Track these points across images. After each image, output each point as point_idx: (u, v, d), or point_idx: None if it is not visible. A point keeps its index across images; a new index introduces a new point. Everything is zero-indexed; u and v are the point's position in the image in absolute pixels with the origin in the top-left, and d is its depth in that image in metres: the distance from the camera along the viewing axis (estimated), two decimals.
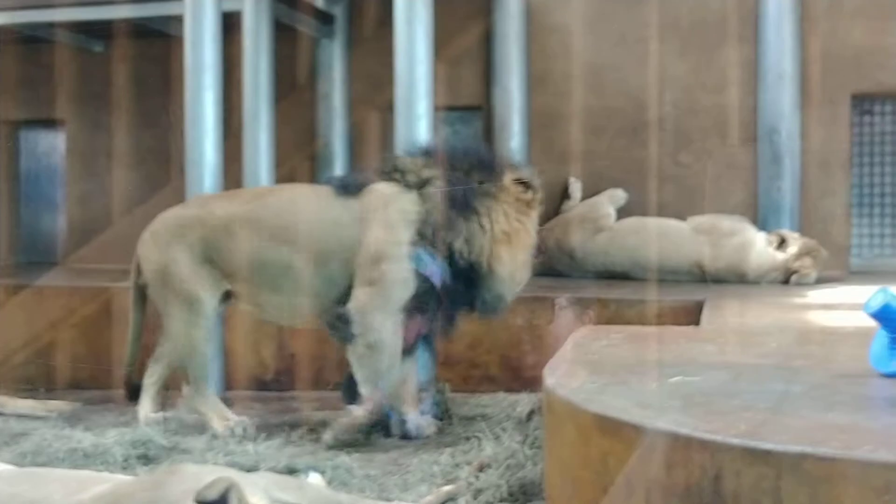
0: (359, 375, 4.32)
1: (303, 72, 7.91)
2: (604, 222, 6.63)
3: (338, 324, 4.29)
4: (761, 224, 6.51)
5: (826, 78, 6.55)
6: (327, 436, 4.25)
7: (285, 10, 7.09)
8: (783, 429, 2.13)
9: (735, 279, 6.04)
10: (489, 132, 7.46)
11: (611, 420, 2.26)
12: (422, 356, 4.57)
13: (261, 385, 5.81)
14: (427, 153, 4.49)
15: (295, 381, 5.73)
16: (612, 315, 5.16)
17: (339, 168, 7.70)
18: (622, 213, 6.77)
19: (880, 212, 6.94)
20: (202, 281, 4.52)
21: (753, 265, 6.03)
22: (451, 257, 4.31)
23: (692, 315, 4.80)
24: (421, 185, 4.35)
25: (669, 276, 6.03)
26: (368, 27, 7.68)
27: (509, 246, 4.33)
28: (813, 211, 6.69)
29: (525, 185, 4.41)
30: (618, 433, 2.23)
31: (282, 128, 6.91)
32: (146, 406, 4.76)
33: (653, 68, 7.00)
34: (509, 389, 5.02)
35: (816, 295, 5.41)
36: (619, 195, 6.83)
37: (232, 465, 3.63)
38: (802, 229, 6.46)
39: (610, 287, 5.85)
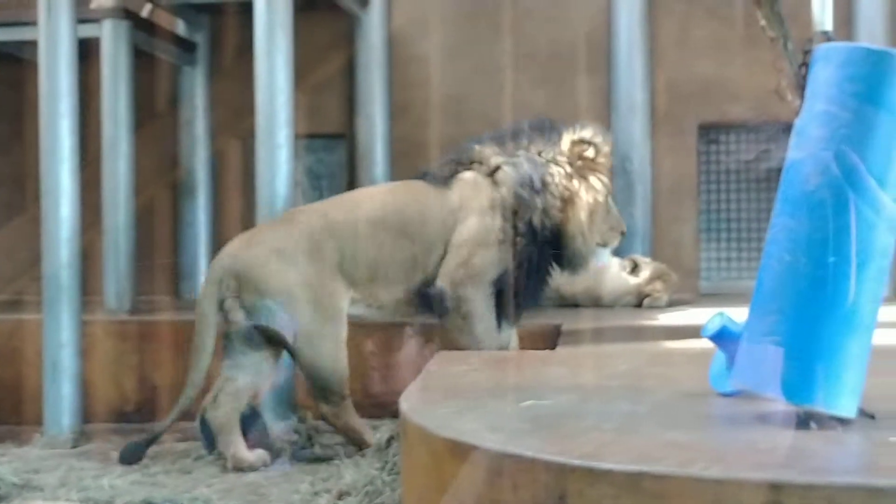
0: (461, 346, 4.52)
1: (163, 99, 7.83)
2: None
3: (430, 301, 4.53)
4: (615, 249, 6.71)
5: (674, 108, 6.85)
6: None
7: (145, 37, 7.01)
8: (625, 448, 2.23)
9: (591, 303, 6.22)
10: (352, 160, 7.52)
11: (461, 444, 2.32)
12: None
13: (121, 417, 5.69)
14: (494, 139, 4.77)
15: (156, 412, 5.64)
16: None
17: (201, 197, 7.63)
18: None
19: (727, 237, 7.26)
20: (340, 293, 4.49)
21: (608, 289, 6.22)
22: (533, 233, 4.53)
23: (549, 339, 4.93)
24: (492, 173, 4.63)
25: (546, 303, 6.16)
26: (230, 55, 7.66)
27: (574, 205, 4.56)
28: (664, 236, 6.95)
29: (586, 144, 4.61)
30: (468, 457, 2.29)
31: (142, 156, 6.81)
32: (241, 443, 4.45)
33: (510, 97, 7.18)
34: (371, 416, 5.04)
35: (667, 317, 5.62)
36: None
37: (86, 501, 3.57)
38: (654, 254, 6.70)
39: None
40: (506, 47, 7.23)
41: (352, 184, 7.57)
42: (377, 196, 4.79)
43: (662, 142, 6.99)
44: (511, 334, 4.72)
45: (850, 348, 2.39)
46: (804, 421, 2.39)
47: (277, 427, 4.75)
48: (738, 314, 2.72)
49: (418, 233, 4.56)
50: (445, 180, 4.67)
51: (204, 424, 4.49)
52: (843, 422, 2.38)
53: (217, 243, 7.72)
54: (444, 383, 3.26)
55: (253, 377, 4.53)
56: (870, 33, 6.73)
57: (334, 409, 4.48)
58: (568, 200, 4.55)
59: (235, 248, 4.56)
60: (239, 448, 4.36)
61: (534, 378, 3.37)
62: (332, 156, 7.80)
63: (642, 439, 2.33)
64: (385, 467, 3.71)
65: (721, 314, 2.81)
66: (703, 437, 2.39)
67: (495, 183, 4.60)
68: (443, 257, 4.55)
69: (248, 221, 5.90)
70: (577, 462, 2.10)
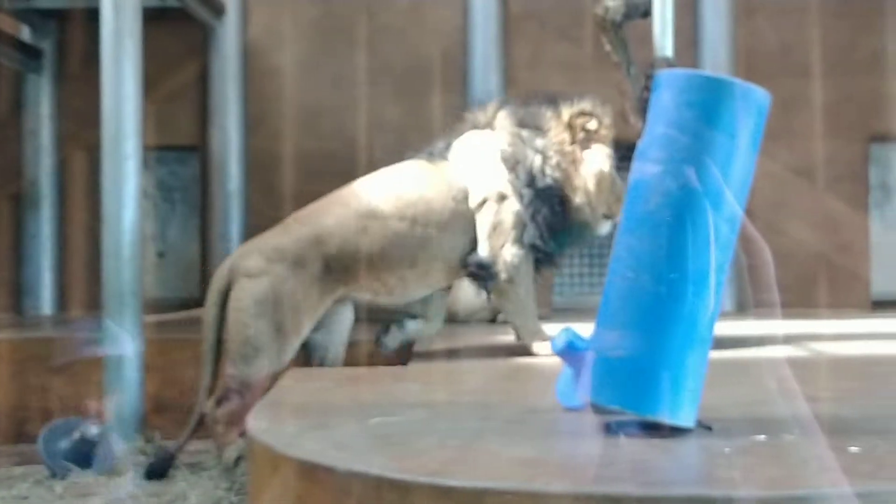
0: (508, 310, 4.67)
1: (7, 107, 7.53)
2: None
3: (478, 272, 4.54)
4: None
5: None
6: None
7: None
8: (470, 465, 2.24)
9: (446, 319, 6.23)
10: (206, 173, 7.37)
11: (307, 464, 2.29)
12: None
13: None
14: (484, 103, 4.79)
15: None
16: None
17: (45, 209, 7.36)
18: None
19: (580, 252, 7.40)
20: (315, 301, 4.51)
21: (462, 305, 6.24)
22: (533, 182, 4.50)
23: (403, 355, 4.92)
24: (489, 124, 4.63)
25: (389, 318, 6.14)
26: (78, 62, 7.42)
27: (578, 174, 4.55)
28: None
29: (587, 115, 4.58)
30: (314, 477, 2.26)
31: None
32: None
33: (367, 112, 7.18)
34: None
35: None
36: None
37: None
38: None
39: None
40: (362, 62, 7.23)
41: (205, 197, 7.42)
42: (371, 187, 4.71)
43: None
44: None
45: (690, 361, 2.47)
46: (641, 432, 2.45)
47: (122, 448, 4.60)
48: (589, 329, 2.77)
49: (422, 213, 4.54)
50: (442, 152, 4.66)
51: (48, 447, 4.32)
52: (682, 432, 2.46)
53: (62, 257, 7.46)
54: (294, 401, 3.22)
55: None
56: (713, 56, 7.00)
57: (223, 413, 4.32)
58: (573, 172, 4.55)
59: (235, 256, 4.64)
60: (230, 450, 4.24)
61: (385, 395, 3.36)
62: (184, 168, 7.64)
63: (488, 456, 2.34)
64: (233, 487, 3.64)
65: (567, 329, 2.86)
66: (548, 452, 2.42)
67: (494, 130, 4.61)
68: (464, 225, 4.56)
69: (94, 234, 5.72)
70: (422, 479, 2.09)
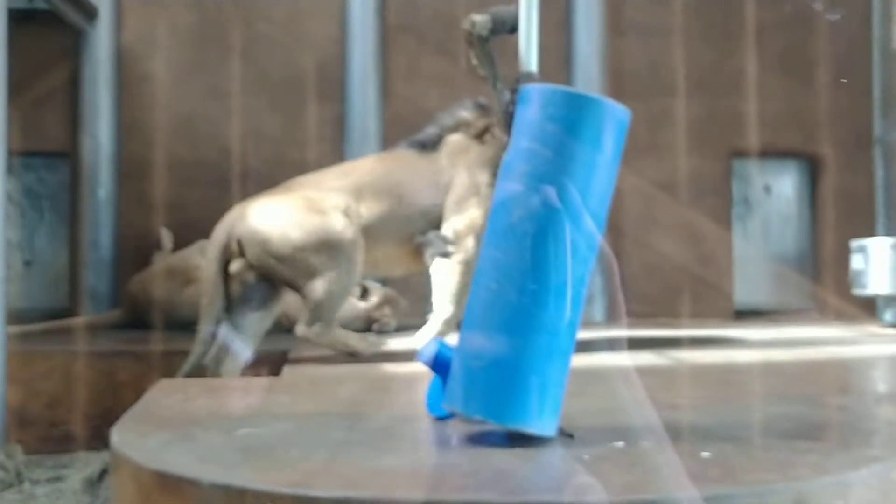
0: (443, 290, 4.89)
1: None
2: (193, 274, 6.60)
3: (437, 242, 4.84)
4: None
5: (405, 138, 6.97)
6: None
7: None
8: (333, 476, 2.26)
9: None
10: (76, 180, 7.20)
11: (169, 476, 2.27)
12: None
13: None
14: (478, 106, 5.10)
15: None
16: (196, 367, 5.13)
17: None
18: None
19: None
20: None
21: (342, 314, 6.26)
22: None
23: (277, 365, 4.90)
24: (480, 134, 5.01)
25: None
26: None
27: None
28: None
29: None
30: (177, 490, 2.25)
31: None
32: None
33: (243, 121, 7.13)
34: (91, 448, 4.84)
35: (394, 342, 5.72)
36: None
37: None
38: (385, 280, 6.81)
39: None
40: (238, 70, 7.17)
41: (75, 204, 7.25)
42: (366, 165, 5.07)
43: None
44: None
45: (551, 371, 2.54)
46: (496, 441, 2.51)
47: None
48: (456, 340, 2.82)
49: (408, 195, 4.86)
50: (433, 145, 4.99)
51: None
52: (546, 441, 2.53)
53: None
54: (161, 413, 3.18)
55: (251, 337, 4.80)
56: (585, 74, 7.18)
57: (317, 331, 4.67)
58: None
59: (236, 214, 4.75)
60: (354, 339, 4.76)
61: (254, 406, 3.35)
62: (53, 175, 7.44)
63: (352, 466, 2.36)
64: (96, 503, 3.57)
65: (436, 340, 2.90)
66: (412, 462, 2.45)
67: (483, 143, 4.97)
68: (440, 217, 4.89)
69: None
70: (284, 490, 2.11)
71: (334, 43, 7.23)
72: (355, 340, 4.87)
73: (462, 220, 4.90)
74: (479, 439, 2.63)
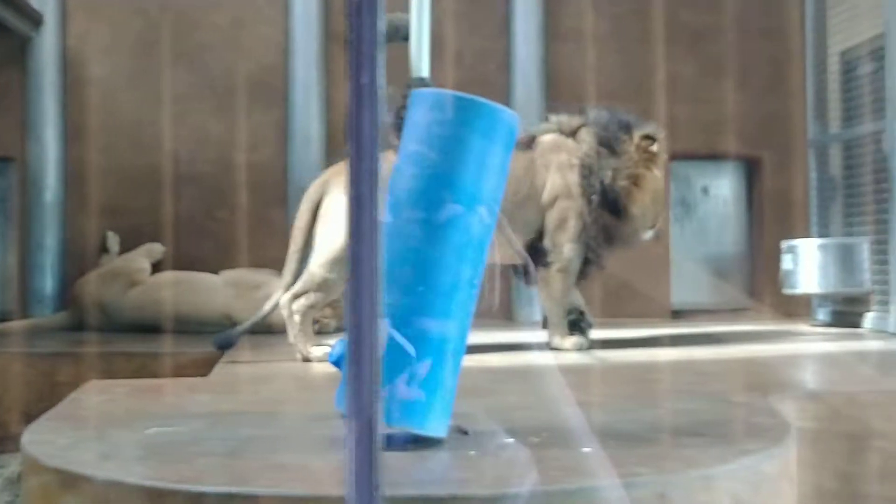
0: (547, 296, 5.25)
1: None
2: (138, 276, 6.68)
3: (537, 256, 5.15)
4: (294, 277, 6.85)
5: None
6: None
7: None
8: (227, 472, 2.36)
9: (263, 329, 6.29)
10: (23, 184, 7.25)
11: (67, 474, 2.37)
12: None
13: None
14: (577, 110, 5.39)
15: None
16: (136, 368, 5.21)
17: None
18: (160, 267, 6.86)
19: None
20: None
21: (278, 316, 6.30)
22: (603, 192, 5.13)
23: (212, 366, 4.98)
24: (573, 133, 5.28)
25: (202, 328, 6.19)
26: None
27: (639, 189, 5.19)
28: None
29: (651, 139, 5.24)
30: (73, 487, 2.34)
31: None
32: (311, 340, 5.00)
33: (187, 126, 7.20)
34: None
35: (332, 342, 5.80)
36: (156, 249, 6.92)
37: None
38: None
39: (139, 341, 5.88)
40: (182, 76, 7.24)
41: (23, 209, 7.30)
42: None
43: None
44: (578, 295, 5.44)
45: (441, 371, 2.63)
46: (395, 441, 2.60)
47: None
48: None
49: (509, 189, 4.98)
50: (528, 143, 5.22)
51: None
52: (440, 439, 2.62)
53: None
54: (80, 413, 3.27)
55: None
56: (525, 78, 7.30)
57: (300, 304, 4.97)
58: (634, 184, 5.18)
59: (328, 174, 5.15)
60: (307, 345, 4.94)
61: (174, 405, 3.44)
62: (0, 179, 7.48)
63: (248, 463, 2.47)
64: (15, 501, 3.65)
65: (343, 340, 2.99)
66: (306, 459, 2.55)
67: (577, 142, 5.25)
68: (536, 211, 5.17)
69: None
70: (173, 486, 2.21)
71: (277, 49, 7.32)
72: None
73: (559, 227, 5.18)
74: (382, 439, 2.71)
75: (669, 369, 4.67)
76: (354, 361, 1.56)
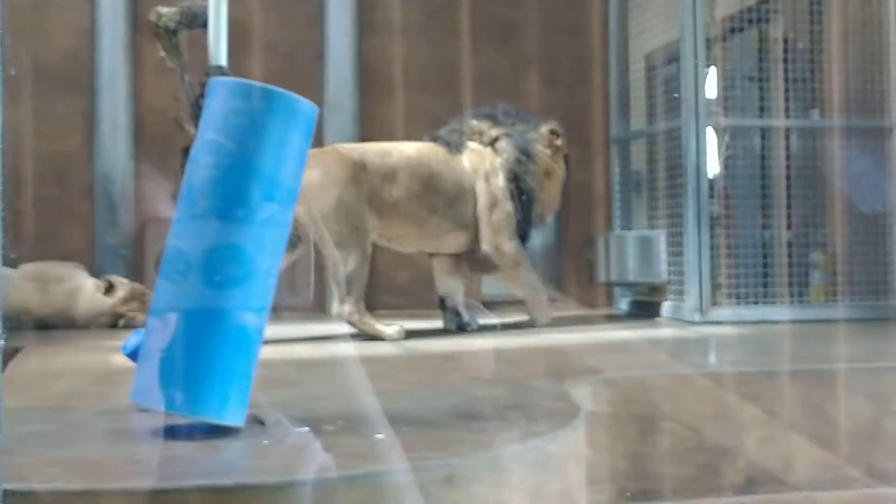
0: (518, 288, 5.88)
1: None
2: None
3: (482, 262, 5.70)
4: (99, 270, 6.67)
5: (159, 131, 6.86)
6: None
7: None
8: (4, 467, 2.28)
9: (65, 324, 6.11)
10: None
11: None
12: None
13: None
14: (486, 116, 5.86)
15: None
16: None
17: None
18: None
19: None
20: (367, 217, 5.36)
21: (82, 310, 6.14)
22: (528, 191, 5.72)
23: (7, 361, 4.79)
24: (492, 142, 5.77)
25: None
26: None
27: (549, 180, 5.87)
28: (149, 257, 6.98)
29: (556, 134, 5.90)
30: None
31: None
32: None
33: None
34: None
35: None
36: None
37: None
38: (137, 275, 6.72)
39: None
40: None
41: None
42: (406, 149, 5.61)
43: (146, 164, 7.03)
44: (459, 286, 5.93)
45: (236, 362, 2.61)
46: (181, 431, 2.58)
47: None
48: None
49: (439, 186, 5.54)
50: (458, 147, 5.71)
51: None
52: (235, 429, 2.60)
53: None
54: None
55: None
56: (339, 70, 7.30)
57: (351, 309, 5.17)
58: (547, 175, 5.84)
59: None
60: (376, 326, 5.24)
61: None
62: None
63: (26, 458, 2.38)
64: None
65: (139, 332, 2.93)
66: (90, 453, 2.49)
67: (495, 151, 5.73)
68: (460, 210, 5.61)
69: None
70: None
71: (83, 33, 7.07)
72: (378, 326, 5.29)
73: (492, 230, 5.66)
74: (175, 430, 2.67)
75: (474, 357, 4.78)
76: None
